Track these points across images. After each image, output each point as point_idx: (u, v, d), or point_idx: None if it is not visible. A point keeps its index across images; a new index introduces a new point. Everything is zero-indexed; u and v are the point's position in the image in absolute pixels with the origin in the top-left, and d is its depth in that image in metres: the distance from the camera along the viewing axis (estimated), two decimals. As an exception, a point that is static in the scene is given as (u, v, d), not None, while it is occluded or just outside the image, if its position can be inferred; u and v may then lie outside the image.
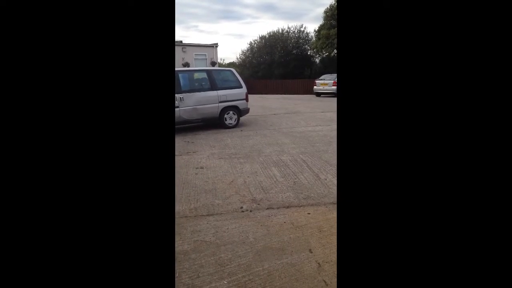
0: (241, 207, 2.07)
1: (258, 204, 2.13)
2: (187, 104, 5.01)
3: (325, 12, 19.32)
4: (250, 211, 2.02)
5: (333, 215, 1.93)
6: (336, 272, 1.34)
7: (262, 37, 22.36)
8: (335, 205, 2.08)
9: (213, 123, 5.46)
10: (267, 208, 2.05)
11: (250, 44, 23.51)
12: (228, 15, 44.88)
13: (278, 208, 2.06)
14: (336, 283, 1.26)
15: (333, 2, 18.86)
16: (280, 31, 22.13)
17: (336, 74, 14.37)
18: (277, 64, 20.98)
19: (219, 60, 18.35)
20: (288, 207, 2.07)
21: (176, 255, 1.47)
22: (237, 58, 23.89)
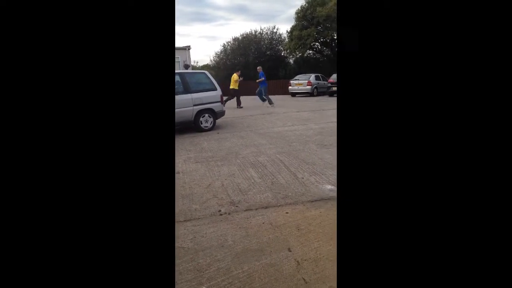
0: (219, 211, 2.05)
1: (237, 206, 2.11)
2: (161, 108, 4.90)
3: (297, 13, 19.64)
4: (229, 214, 2.00)
5: (311, 213, 1.95)
6: (314, 269, 1.35)
7: (235, 39, 22.37)
8: (313, 203, 2.11)
9: (189, 126, 5.38)
10: (246, 210, 2.05)
11: (224, 46, 23.44)
12: (200, 17, 44.51)
13: (256, 209, 2.06)
14: (315, 280, 1.28)
15: (304, 3, 19.22)
16: (253, 32, 22.26)
17: (310, 74, 14.65)
18: (252, 66, 21.02)
19: (192, 63, 18.12)
20: (266, 207, 2.08)
21: (153, 264, 1.43)
22: (211, 60, 23.74)
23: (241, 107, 9.23)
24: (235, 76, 9.19)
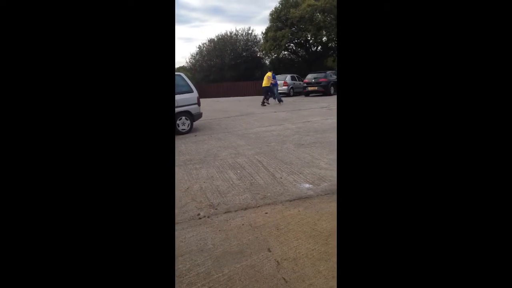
0: (198, 214, 2.03)
1: (216, 209, 2.10)
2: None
3: (271, 14, 19.80)
4: (208, 217, 1.98)
5: (290, 212, 1.98)
6: (294, 268, 1.37)
7: (211, 40, 22.21)
8: (291, 202, 2.13)
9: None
10: (225, 212, 2.04)
11: (199, 47, 23.23)
12: (175, 19, 43.75)
13: (236, 211, 2.05)
14: (295, 279, 1.29)
15: (278, 5, 19.42)
16: (229, 34, 22.19)
17: (286, 75, 14.82)
18: (228, 67, 20.99)
19: (167, 65, 17.72)
20: (245, 209, 2.08)
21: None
22: (187, 62, 23.42)
23: (266, 105, 9.84)
24: (269, 74, 9.87)
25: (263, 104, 9.75)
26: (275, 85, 10.44)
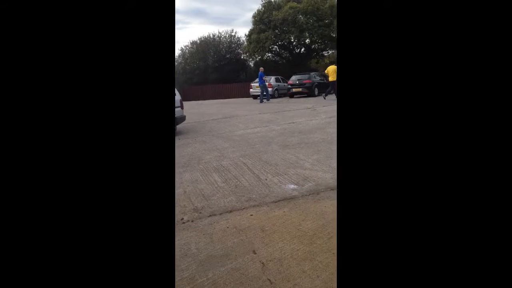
0: (182, 219, 2.00)
1: (200, 213, 2.07)
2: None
3: (254, 17, 19.89)
4: (192, 221, 1.95)
5: (275, 213, 1.97)
6: (279, 269, 1.36)
7: (193, 43, 22.09)
8: (276, 204, 2.13)
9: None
10: (209, 216, 2.01)
11: (182, 50, 23.03)
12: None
13: (220, 214, 2.03)
14: (280, 280, 1.29)
15: (261, 7, 19.52)
16: (212, 36, 22.11)
17: (270, 77, 14.89)
18: (211, 69, 20.90)
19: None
20: (230, 211, 2.06)
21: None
22: (170, 65, 23.12)
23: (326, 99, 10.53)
24: (333, 67, 10.25)
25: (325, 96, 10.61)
26: (264, 83, 10.69)
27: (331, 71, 10.26)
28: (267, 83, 12.83)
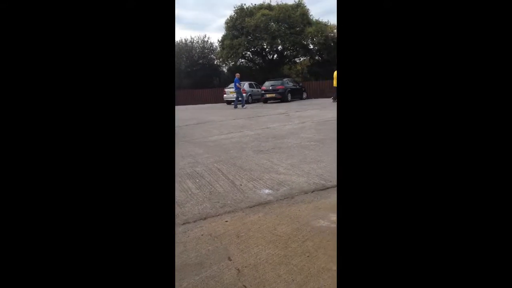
0: (155, 228, 1.93)
1: (173, 220, 2.02)
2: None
3: (226, 23, 19.96)
4: (165, 229, 1.90)
5: (250, 218, 1.97)
6: (254, 275, 1.36)
7: (165, 48, 21.70)
8: (251, 209, 2.13)
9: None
10: (183, 224, 1.97)
11: (154, 55, 22.50)
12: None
13: (195, 221, 1.99)
14: (256, 286, 1.28)
15: (233, 13, 19.64)
16: (184, 41, 21.89)
17: (244, 82, 14.96)
18: (184, 74, 20.64)
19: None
20: (205, 218, 2.03)
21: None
22: (141, 70, 22.58)
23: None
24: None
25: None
26: (239, 89, 10.72)
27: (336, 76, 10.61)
28: (241, 89, 12.87)
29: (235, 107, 10.90)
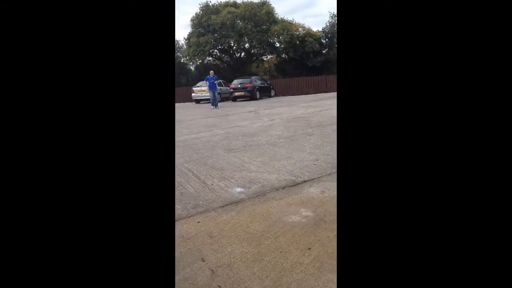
0: (123, 233, 1.86)
1: (143, 225, 1.96)
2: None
3: (192, 20, 19.58)
4: (135, 235, 1.84)
5: (223, 218, 1.96)
6: (229, 274, 1.36)
7: (129, 46, 20.87)
8: (224, 208, 2.12)
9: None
10: (154, 227, 1.92)
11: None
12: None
13: (166, 224, 1.95)
14: (230, 285, 1.28)
15: (199, 11, 19.32)
16: (148, 39, 21.16)
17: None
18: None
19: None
20: (177, 220, 1.99)
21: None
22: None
23: None
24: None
25: None
26: (213, 87, 10.37)
27: None
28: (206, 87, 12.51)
29: (216, 106, 10.64)
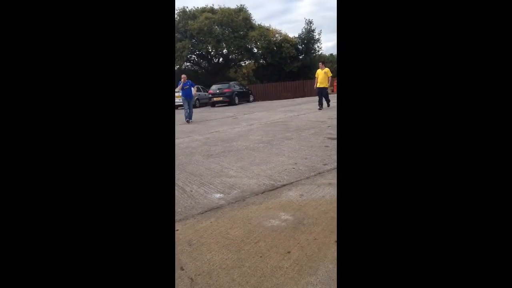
0: (98, 245, 1.79)
1: (119, 235, 1.90)
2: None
3: (169, 25, 19.33)
4: (110, 246, 1.77)
5: (202, 225, 1.94)
6: (208, 282, 1.34)
7: (103, 51, 20.31)
8: (203, 215, 2.10)
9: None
10: (130, 237, 1.86)
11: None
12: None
13: (143, 233, 1.90)
14: (210, 292, 1.27)
15: (176, 16, 19.13)
16: (124, 44, 20.69)
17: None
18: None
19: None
20: (154, 229, 1.94)
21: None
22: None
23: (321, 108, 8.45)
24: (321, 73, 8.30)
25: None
26: (189, 96, 7.94)
27: (321, 77, 8.18)
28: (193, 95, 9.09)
29: (190, 119, 8.05)
